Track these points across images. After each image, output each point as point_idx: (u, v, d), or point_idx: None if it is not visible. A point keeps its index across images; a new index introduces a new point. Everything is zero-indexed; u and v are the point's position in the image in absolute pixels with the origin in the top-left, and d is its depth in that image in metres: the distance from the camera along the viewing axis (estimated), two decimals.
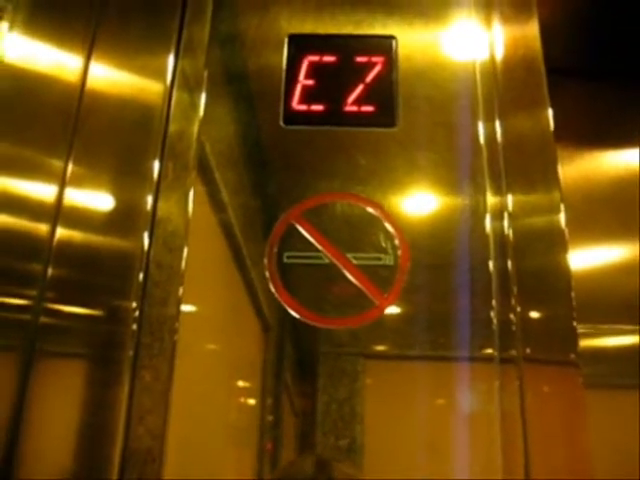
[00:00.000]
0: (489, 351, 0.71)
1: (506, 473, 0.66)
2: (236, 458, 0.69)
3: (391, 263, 0.74)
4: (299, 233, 0.76)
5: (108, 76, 0.83)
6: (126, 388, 0.68)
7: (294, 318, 0.72)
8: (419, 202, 0.79)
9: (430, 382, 0.72)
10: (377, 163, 0.79)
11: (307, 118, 0.82)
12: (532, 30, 0.86)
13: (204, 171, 0.79)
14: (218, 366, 0.73)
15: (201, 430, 0.70)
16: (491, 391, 0.69)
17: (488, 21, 0.87)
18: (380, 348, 0.73)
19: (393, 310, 0.73)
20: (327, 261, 0.74)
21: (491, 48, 0.85)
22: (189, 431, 0.69)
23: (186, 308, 0.72)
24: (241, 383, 0.72)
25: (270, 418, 0.69)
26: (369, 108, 0.82)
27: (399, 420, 0.70)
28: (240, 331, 0.74)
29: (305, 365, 0.72)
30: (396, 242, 0.75)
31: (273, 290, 0.73)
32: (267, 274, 0.74)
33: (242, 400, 0.71)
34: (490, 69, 0.84)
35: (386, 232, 0.76)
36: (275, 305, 0.73)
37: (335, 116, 0.82)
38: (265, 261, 0.74)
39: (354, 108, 0.82)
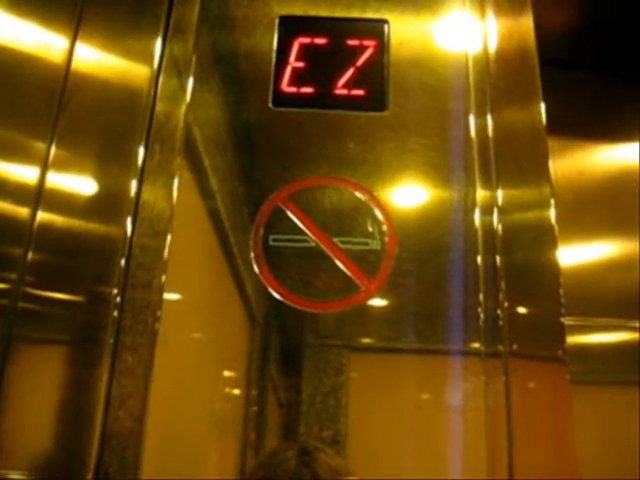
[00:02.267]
0: (476, 345, 0.70)
1: (490, 467, 0.65)
2: (219, 447, 0.69)
3: (378, 248, 0.73)
4: (286, 216, 0.75)
5: (94, 57, 0.82)
6: (106, 371, 0.67)
7: (280, 308, 0.71)
8: (408, 189, 0.78)
9: (415, 375, 0.71)
10: (367, 147, 0.79)
11: (297, 100, 0.81)
12: (526, 22, 0.86)
13: (191, 154, 0.78)
14: (202, 353, 0.72)
15: (183, 417, 0.69)
16: (477, 386, 0.68)
17: (482, 11, 0.87)
18: (366, 340, 0.73)
19: (379, 300, 0.72)
20: (313, 245, 0.74)
21: (484, 38, 0.85)
22: (171, 417, 0.68)
23: (169, 292, 0.71)
24: (226, 372, 0.71)
25: (254, 408, 0.69)
26: (359, 92, 0.81)
27: (383, 413, 0.69)
28: (226, 319, 0.73)
29: (290, 356, 0.72)
30: (384, 228, 0.74)
31: (258, 272, 0.72)
32: (252, 256, 0.73)
33: (226, 389, 0.70)
34: (483, 59, 0.83)
35: (374, 217, 0.75)
36: (261, 291, 0.72)
37: (325, 99, 0.81)
38: (251, 243, 0.73)
39: (344, 91, 0.81)
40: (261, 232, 0.74)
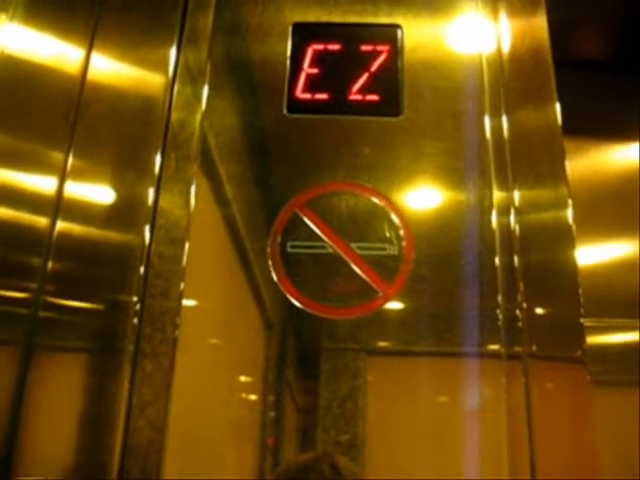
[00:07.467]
0: (495, 347, 0.70)
1: (512, 470, 0.65)
2: (237, 452, 0.69)
3: (395, 253, 0.73)
4: (303, 222, 0.75)
5: (109, 67, 0.83)
6: (126, 379, 0.67)
7: (297, 313, 0.71)
8: (424, 192, 0.78)
9: (433, 378, 0.71)
10: (382, 152, 0.79)
11: (311, 107, 0.81)
12: (540, 22, 0.85)
13: (207, 162, 0.78)
14: (220, 360, 0.72)
15: (202, 423, 0.69)
16: (497, 388, 0.68)
17: (495, 12, 0.87)
18: (382, 344, 0.73)
19: (397, 303, 0.72)
20: (331, 251, 0.74)
21: (498, 40, 0.85)
22: (190, 424, 0.69)
23: (188, 300, 0.71)
24: (243, 378, 0.71)
25: (272, 414, 0.69)
26: (374, 97, 0.81)
27: (401, 416, 0.69)
28: (243, 325, 0.73)
29: (307, 361, 0.72)
30: (401, 232, 0.74)
31: (276, 279, 0.72)
32: (270, 263, 0.73)
33: (244, 395, 0.70)
34: (497, 61, 0.83)
35: (391, 222, 0.75)
36: (278, 298, 0.72)
37: (339, 105, 0.81)
38: (268, 250, 0.74)
39: (359, 97, 0.81)
40: (278, 239, 0.74)
